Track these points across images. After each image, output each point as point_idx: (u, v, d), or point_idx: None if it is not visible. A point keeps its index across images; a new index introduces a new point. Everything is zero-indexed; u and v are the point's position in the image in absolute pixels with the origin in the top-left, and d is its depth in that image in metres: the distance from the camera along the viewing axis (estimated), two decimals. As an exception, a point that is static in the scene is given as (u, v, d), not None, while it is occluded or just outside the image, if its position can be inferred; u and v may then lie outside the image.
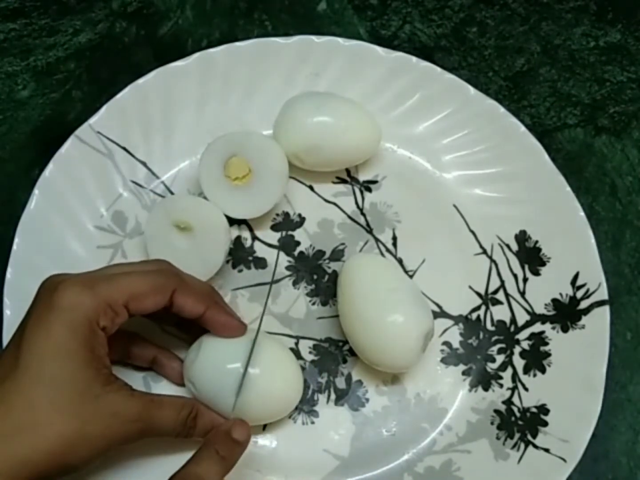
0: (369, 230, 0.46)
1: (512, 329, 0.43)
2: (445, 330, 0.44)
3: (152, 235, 0.42)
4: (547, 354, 0.42)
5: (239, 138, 0.42)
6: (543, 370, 0.42)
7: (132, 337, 0.40)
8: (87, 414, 0.31)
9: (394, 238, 0.45)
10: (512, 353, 0.43)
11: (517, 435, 0.41)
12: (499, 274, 0.44)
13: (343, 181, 0.47)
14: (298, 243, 0.45)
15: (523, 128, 0.45)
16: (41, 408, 0.30)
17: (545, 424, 0.41)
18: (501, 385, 0.42)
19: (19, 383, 0.30)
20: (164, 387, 0.41)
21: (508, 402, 0.42)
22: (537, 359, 0.42)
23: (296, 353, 0.43)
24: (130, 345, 0.40)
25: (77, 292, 0.32)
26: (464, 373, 0.43)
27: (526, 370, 0.42)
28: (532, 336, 0.43)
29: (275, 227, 0.45)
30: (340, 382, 0.42)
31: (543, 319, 0.43)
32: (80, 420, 0.31)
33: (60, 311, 0.32)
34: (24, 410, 0.30)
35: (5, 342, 0.40)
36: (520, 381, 0.42)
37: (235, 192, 0.43)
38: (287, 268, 0.44)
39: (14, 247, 0.42)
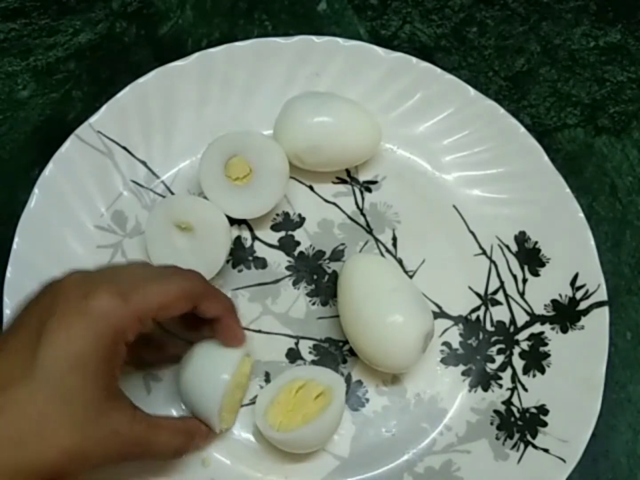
0: (369, 231, 0.46)
1: (512, 329, 0.43)
2: (445, 331, 0.44)
3: (153, 235, 0.42)
4: (547, 355, 0.42)
5: (239, 138, 0.42)
6: (542, 371, 0.42)
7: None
8: (89, 430, 0.31)
9: (394, 238, 0.45)
10: (511, 353, 0.43)
11: (516, 436, 0.41)
12: (498, 275, 0.44)
13: (343, 181, 0.46)
14: (298, 243, 0.45)
15: (523, 129, 0.45)
16: (51, 420, 0.30)
17: (545, 424, 0.41)
18: (501, 386, 0.42)
19: (34, 393, 0.30)
20: (163, 387, 0.41)
21: (507, 402, 0.42)
22: (536, 360, 0.42)
23: (296, 353, 0.43)
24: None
25: (111, 301, 0.31)
26: (463, 373, 0.43)
27: (526, 371, 0.42)
28: (531, 337, 0.43)
29: (275, 227, 0.45)
30: (340, 382, 0.42)
31: (542, 319, 0.43)
32: (82, 435, 0.31)
33: (90, 319, 0.31)
34: (35, 421, 0.30)
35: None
36: (519, 382, 0.42)
37: (235, 192, 0.43)
38: (287, 268, 0.44)
39: (14, 246, 0.42)
